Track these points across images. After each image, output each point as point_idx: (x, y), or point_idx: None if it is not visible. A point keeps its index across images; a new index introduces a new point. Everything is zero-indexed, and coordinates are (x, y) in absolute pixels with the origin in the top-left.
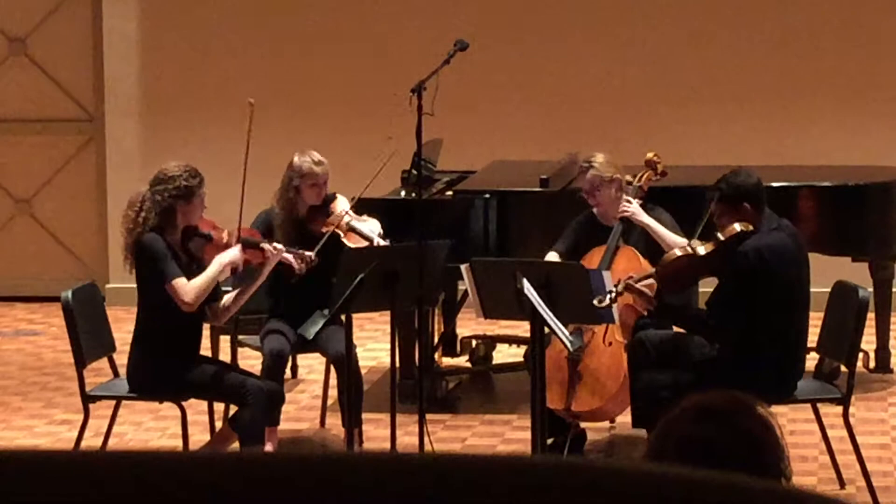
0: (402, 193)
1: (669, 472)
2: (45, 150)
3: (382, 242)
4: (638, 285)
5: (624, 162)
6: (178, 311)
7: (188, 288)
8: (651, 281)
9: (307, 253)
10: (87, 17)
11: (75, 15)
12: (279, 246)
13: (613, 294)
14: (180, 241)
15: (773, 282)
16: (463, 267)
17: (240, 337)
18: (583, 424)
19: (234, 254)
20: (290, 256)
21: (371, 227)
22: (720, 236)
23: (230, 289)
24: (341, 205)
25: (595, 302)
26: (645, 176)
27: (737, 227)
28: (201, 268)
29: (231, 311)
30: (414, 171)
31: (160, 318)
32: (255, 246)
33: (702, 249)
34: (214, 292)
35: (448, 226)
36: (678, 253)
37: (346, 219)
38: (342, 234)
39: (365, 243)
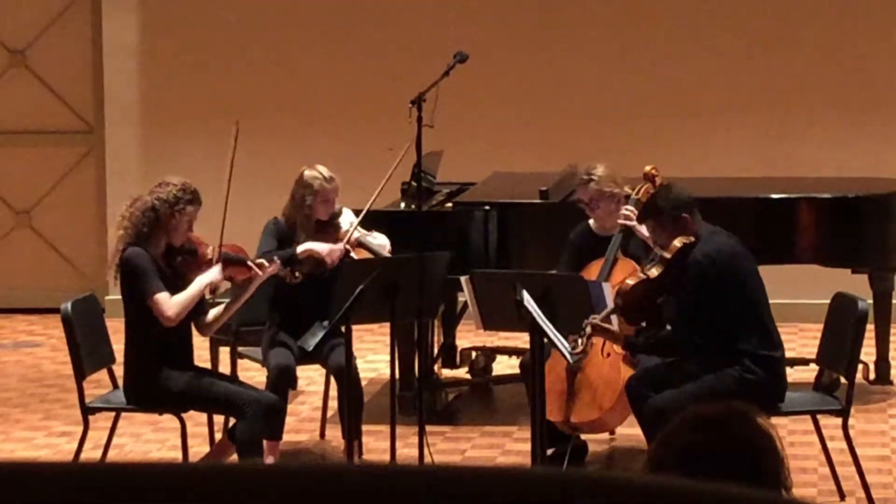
0: (402, 205)
1: (669, 483)
2: (45, 162)
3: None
4: (603, 324)
5: (623, 174)
6: (158, 324)
7: (172, 303)
8: (614, 316)
9: (296, 273)
10: (87, 28)
11: (75, 26)
12: (265, 263)
13: (584, 338)
14: (164, 255)
15: (731, 279)
16: (463, 279)
17: (239, 349)
18: (582, 436)
19: (214, 274)
20: (274, 269)
21: (381, 242)
22: (666, 255)
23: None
24: (347, 218)
25: (569, 347)
26: (643, 189)
27: (679, 242)
28: (185, 283)
29: (216, 325)
30: (414, 183)
31: (143, 331)
32: (239, 263)
33: (653, 272)
34: (201, 306)
35: (448, 237)
36: (631, 282)
37: (356, 234)
38: (351, 250)
39: (371, 257)
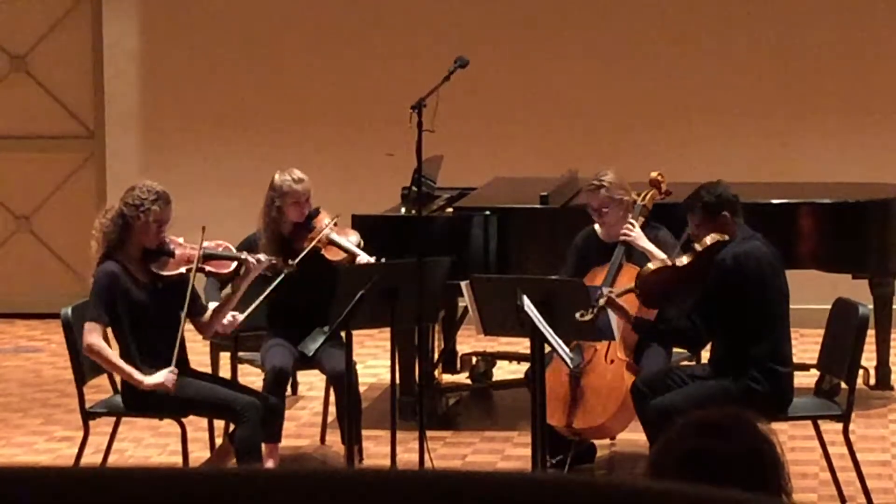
0: (403, 210)
1: (669, 489)
2: (46, 167)
3: (363, 254)
4: (618, 300)
5: (625, 179)
6: (148, 329)
7: (96, 342)
8: (631, 294)
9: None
10: (88, 33)
11: (76, 32)
12: (257, 258)
13: (595, 307)
14: (142, 259)
15: (754, 287)
16: (463, 284)
17: (239, 353)
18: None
19: (157, 379)
20: (266, 262)
21: (351, 239)
22: (697, 247)
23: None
24: (325, 219)
25: (577, 316)
26: (649, 195)
27: (712, 237)
28: (168, 287)
29: (214, 324)
30: (414, 188)
31: (133, 337)
32: (226, 258)
33: (681, 261)
34: (199, 307)
35: (448, 243)
36: (657, 265)
37: (327, 232)
38: (322, 248)
39: (344, 255)
